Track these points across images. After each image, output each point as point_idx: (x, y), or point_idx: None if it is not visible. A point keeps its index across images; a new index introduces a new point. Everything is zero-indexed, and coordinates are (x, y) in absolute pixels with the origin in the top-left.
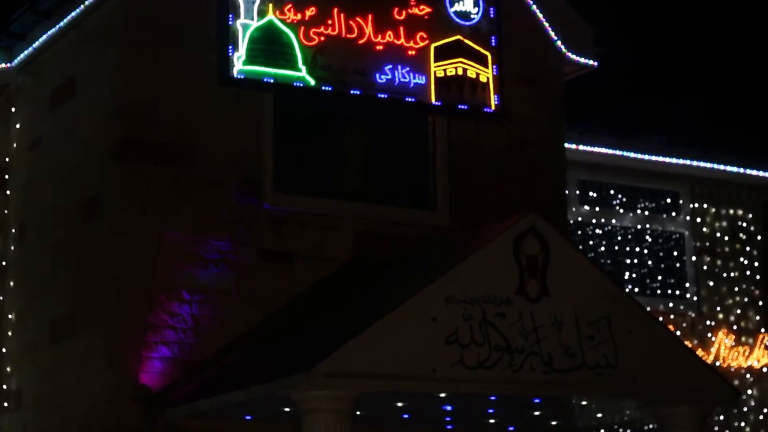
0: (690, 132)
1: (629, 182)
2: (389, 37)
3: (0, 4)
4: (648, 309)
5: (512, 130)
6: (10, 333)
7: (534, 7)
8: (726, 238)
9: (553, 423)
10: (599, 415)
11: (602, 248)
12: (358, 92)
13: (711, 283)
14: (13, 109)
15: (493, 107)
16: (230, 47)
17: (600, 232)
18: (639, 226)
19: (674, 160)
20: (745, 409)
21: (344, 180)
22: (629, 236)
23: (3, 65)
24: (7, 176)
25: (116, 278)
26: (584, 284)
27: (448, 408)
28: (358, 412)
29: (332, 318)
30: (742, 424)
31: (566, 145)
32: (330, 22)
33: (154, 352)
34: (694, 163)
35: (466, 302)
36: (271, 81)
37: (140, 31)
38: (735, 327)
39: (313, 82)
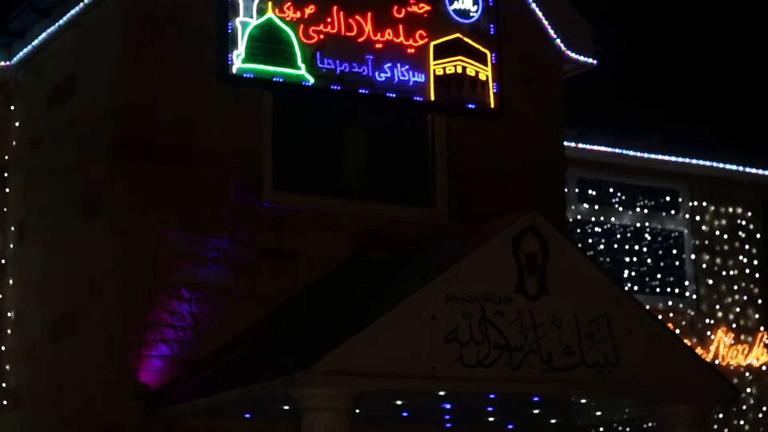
0: (689, 130)
1: (628, 180)
2: (388, 35)
3: (0, 2)
4: (647, 307)
5: (511, 128)
6: (9, 331)
7: (533, 5)
8: (725, 236)
9: (553, 421)
10: (598, 413)
11: (601, 246)
12: (357, 90)
13: (710, 282)
14: (12, 107)
15: (492, 105)
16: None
17: (599, 230)
18: (638, 224)
19: (673, 159)
20: (745, 407)
21: (344, 178)
22: (628, 234)
23: (2, 63)
24: (6, 174)
25: (115, 277)
26: (583, 282)
27: (448, 406)
28: (357, 410)
29: (332, 316)
30: (742, 422)
31: (565, 143)
32: (329, 20)
33: (153, 351)
34: (693, 161)
35: (466, 300)
36: (271, 79)
37: (139, 29)
38: (734, 325)
39: (312, 80)
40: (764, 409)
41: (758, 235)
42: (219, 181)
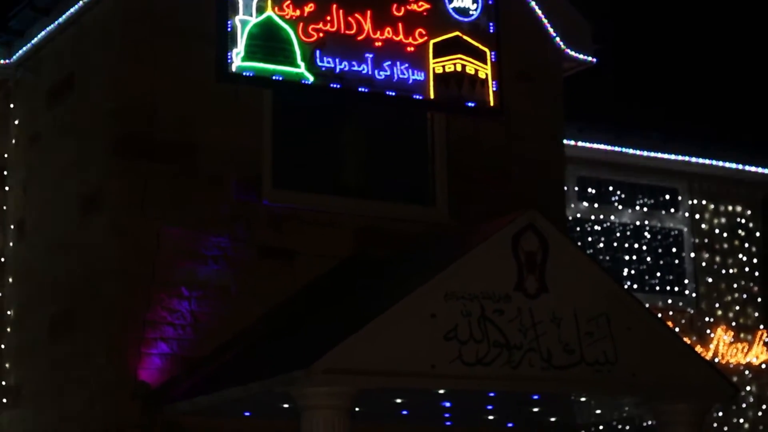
0: (689, 128)
1: (628, 179)
2: (388, 34)
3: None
4: (647, 305)
5: (511, 127)
6: (9, 329)
7: (533, 3)
8: (725, 234)
9: (552, 419)
10: (598, 411)
11: (601, 244)
12: (357, 89)
13: (710, 280)
14: (11, 106)
15: (491, 103)
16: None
17: (599, 228)
18: (638, 223)
19: (673, 157)
20: (744, 405)
21: (343, 176)
22: (628, 233)
23: (2, 61)
24: (5, 173)
25: (115, 275)
26: (583, 281)
27: (447, 404)
28: (357, 409)
29: (331, 314)
30: (741, 420)
31: (565, 141)
32: (329, 18)
33: (153, 349)
34: (693, 159)
35: (465, 298)
36: (270, 77)
37: (139, 27)
38: (734, 323)
39: (312, 79)
40: (764, 407)
41: (758, 234)
42: (219, 180)
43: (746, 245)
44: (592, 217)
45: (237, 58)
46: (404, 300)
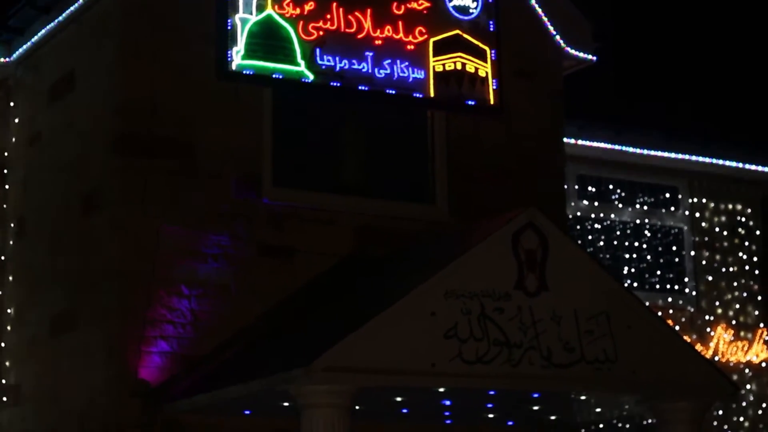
0: (689, 127)
1: (628, 177)
2: (388, 32)
3: None
4: (647, 304)
5: (511, 125)
6: (9, 327)
7: (533, 1)
8: (725, 232)
9: (552, 418)
10: (598, 409)
11: (601, 243)
12: (357, 87)
13: (710, 278)
14: (12, 104)
15: (491, 102)
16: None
17: (599, 226)
18: (638, 221)
19: (673, 155)
20: (744, 404)
21: (343, 175)
22: (628, 231)
23: (2, 59)
24: (6, 171)
25: (115, 273)
26: (583, 279)
27: (447, 402)
28: (357, 407)
29: (331, 313)
30: (741, 418)
31: (565, 139)
32: (329, 16)
33: (153, 347)
34: (693, 157)
35: (465, 297)
36: (270, 76)
37: (139, 25)
38: (734, 322)
39: (312, 77)
40: (764, 405)
41: (758, 232)
42: (218, 178)
43: (746, 244)
44: (592, 216)
45: (237, 57)
46: (404, 298)
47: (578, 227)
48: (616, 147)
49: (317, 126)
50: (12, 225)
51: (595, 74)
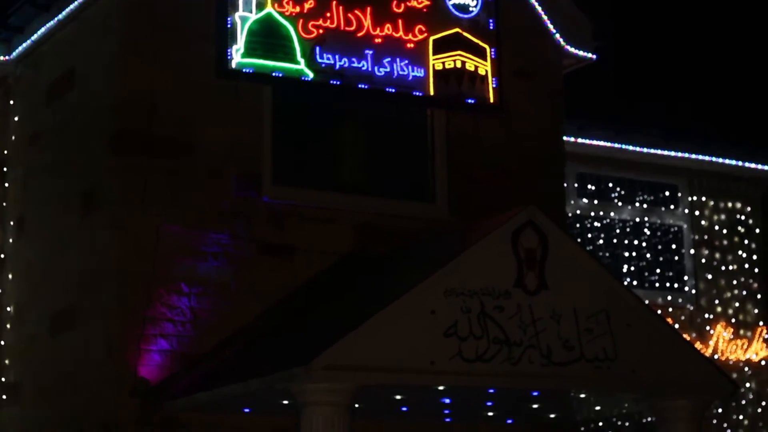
0: (689, 125)
1: (628, 175)
2: (388, 30)
3: None
4: (646, 302)
5: (511, 124)
6: (8, 326)
7: (533, 0)
8: (724, 231)
9: (552, 416)
10: (597, 408)
11: (601, 241)
12: (356, 85)
13: (709, 276)
14: (11, 102)
15: (491, 100)
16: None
17: (598, 225)
18: (637, 219)
19: (673, 153)
20: (744, 402)
21: (343, 173)
22: (628, 229)
23: (1, 58)
24: (5, 169)
25: (115, 271)
26: (583, 277)
27: (447, 401)
28: (356, 405)
29: (331, 311)
30: (741, 417)
31: (565, 138)
32: (329, 14)
33: (152, 345)
34: (693, 156)
35: (465, 295)
36: (270, 74)
37: (139, 23)
38: (733, 320)
39: (311, 75)
40: (763, 403)
41: (757, 230)
42: (218, 176)
43: (746, 242)
44: (592, 214)
45: (237, 55)
46: (404, 296)
47: (578, 225)
48: (616, 145)
49: (317, 124)
50: (11, 223)
51: (595, 73)
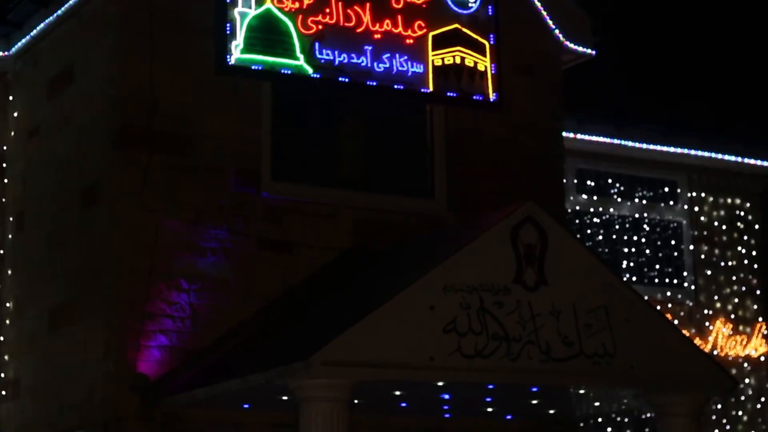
0: (688, 121)
1: (627, 171)
2: (387, 26)
3: None
4: (646, 298)
5: (510, 119)
6: (8, 321)
7: None
8: (724, 227)
9: (551, 411)
10: (597, 403)
11: (600, 237)
12: (356, 81)
13: (709, 272)
14: (10, 98)
15: (491, 96)
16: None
17: (598, 220)
18: (637, 215)
19: (672, 149)
20: (743, 397)
21: (342, 169)
22: (627, 225)
23: (1, 53)
24: (4, 164)
25: (114, 267)
26: (582, 273)
27: (446, 396)
28: (355, 400)
29: (330, 307)
30: (740, 412)
31: (564, 133)
32: (328, 10)
33: (152, 341)
34: (692, 152)
35: (464, 291)
36: (269, 70)
37: (138, 19)
38: (732, 316)
39: (311, 71)
40: (762, 399)
41: (757, 226)
42: (218, 172)
43: (745, 237)
44: (591, 210)
45: (236, 51)
46: (403, 292)
47: (577, 221)
48: (615, 141)
49: (316, 120)
50: (11, 219)
51: (594, 68)
